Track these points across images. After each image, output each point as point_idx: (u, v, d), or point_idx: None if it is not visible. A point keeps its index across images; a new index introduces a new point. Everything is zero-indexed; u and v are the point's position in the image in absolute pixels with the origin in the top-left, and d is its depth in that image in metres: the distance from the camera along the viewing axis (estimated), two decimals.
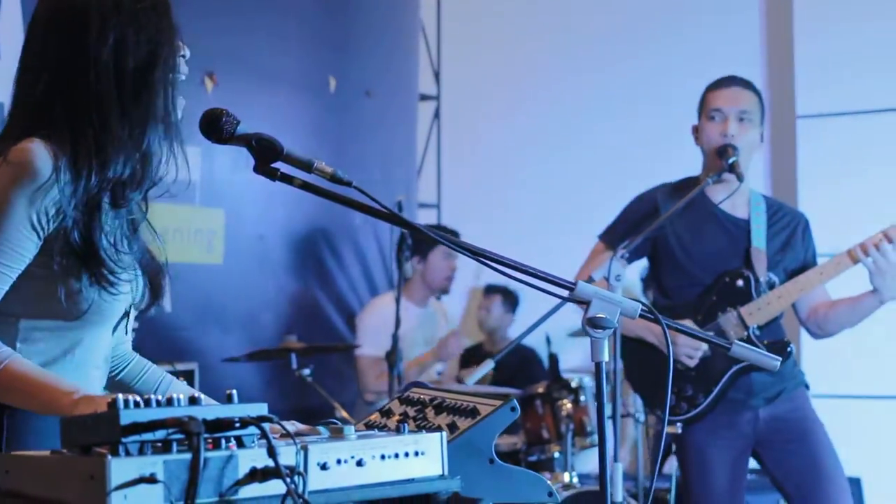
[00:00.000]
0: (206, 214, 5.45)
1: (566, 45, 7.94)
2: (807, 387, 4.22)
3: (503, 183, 7.94)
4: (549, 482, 2.18)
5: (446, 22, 8.35)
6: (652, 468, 5.60)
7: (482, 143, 8.11)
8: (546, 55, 7.99)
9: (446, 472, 1.90)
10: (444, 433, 1.92)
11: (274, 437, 1.66)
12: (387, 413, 2.43)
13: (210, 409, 1.66)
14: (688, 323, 3.93)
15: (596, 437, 5.21)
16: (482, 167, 8.08)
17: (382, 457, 1.81)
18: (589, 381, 5.32)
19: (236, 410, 1.67)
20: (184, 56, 2.32)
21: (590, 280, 3.43)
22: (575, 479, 5.07)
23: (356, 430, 1.95)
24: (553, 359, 5.30)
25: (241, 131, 2.15)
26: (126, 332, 2.44)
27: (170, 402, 1.65)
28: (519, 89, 8.03)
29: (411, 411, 2.36)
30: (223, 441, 1.67)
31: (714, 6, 7.47)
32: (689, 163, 4.31)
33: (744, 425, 4.09)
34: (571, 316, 4.17)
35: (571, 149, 7.76)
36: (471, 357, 7.41)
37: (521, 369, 6.35)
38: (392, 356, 5.14)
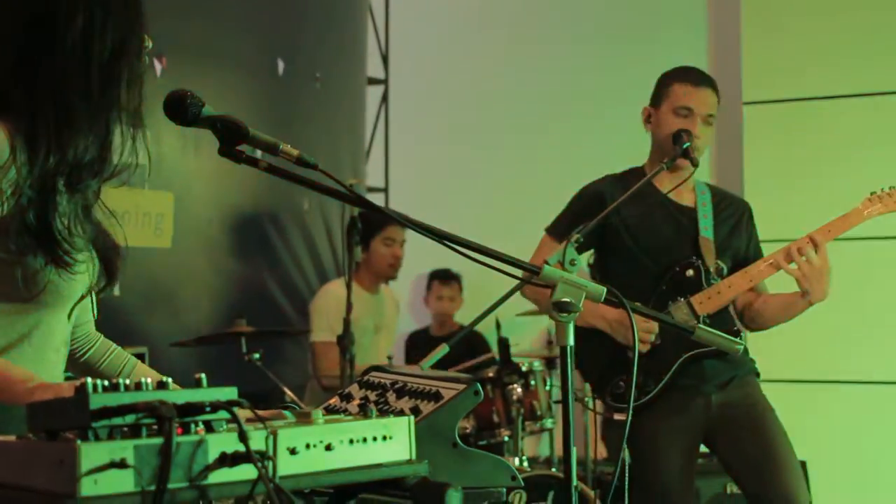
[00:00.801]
0: (155, 198, 5.40)
1: (515, 30, 7.95)
2: (757, 375, 4.25)
3: (451, 167, 7.94)
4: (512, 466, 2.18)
5: (394, 5, 8.34)
6: (599, 452, 5.65)
7: (430, 127, 8.10)
8: (494, 40, 8.00)
9: (414, 457, 1.89)
10: (412, 417, 1.92)
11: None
12: (346, 397, 2.41)
13: (180, 394, 1.64)
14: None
15: (546, 421, 5.25)
16: (430, 151, 8.08)
17: (351, 441, 1.80)
18: (539, 366, 5.35)
19: (206, 395, 1.66)
20: (147, 46, 2.30)
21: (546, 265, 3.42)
22: (525, 464, 5.11)
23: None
24: (503, 343, 5.29)
25: (206, 113, 2.13)
26: (93, 315, 2.41)
27: (138, 386, 1.63)
28: (467, 73, 8.03)
29: (372, 395, 2.35)
30: (192, 425, 1.66)
31: None
32: (636, 150, 4.32)
33: (696, 412, 4.11)
34: (521, 300, 4.19)
35: (519, 133, 7.78)
36: (418, 341, 7.42)
37: (469, 353, 6.35)
38: (344, 340, 5.13)
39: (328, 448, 1.77)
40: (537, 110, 7.72)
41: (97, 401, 1.55)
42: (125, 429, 1.59)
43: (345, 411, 2.25)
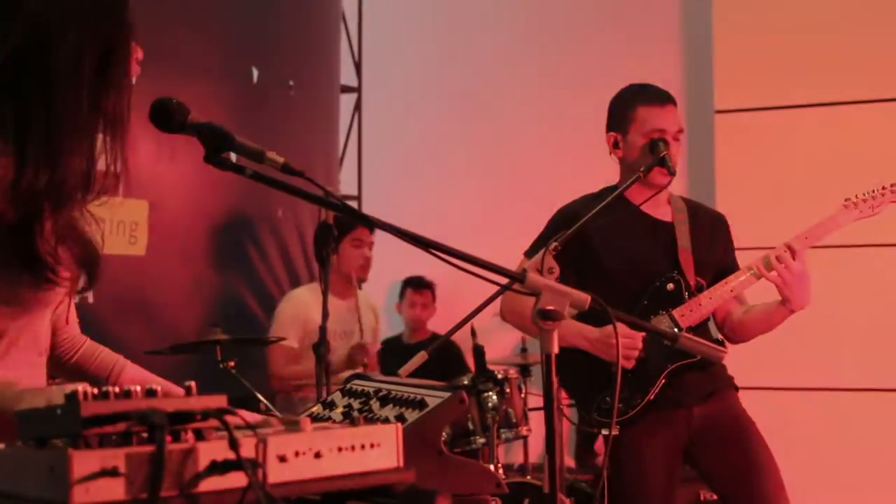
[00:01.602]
0: (129, 206, 5.38)
1: (488, 37, 7.96)
2: (736, 389, 4.26)
3: (424, 175, 7.95)
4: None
5: (368, 13, 8.34)
6: (580, 462, 5.66)
7: (403, 135, 8.12)
8: (467, 47, 8.02)
9: (402, 465, 1.89)
10: (400, 425, 1.92)
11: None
12: (329, 405, 2.41)
13: (171, 401, 1.64)
14: (620, 326, 3.91)
15: (520, 429, 5.25)
16: (403, 159, 8.09)
17: (339, 449, 1.80)
18: (514, 374, 5.35)
19: (197, 402, 1.66)
20: (137, 59, 2.26)
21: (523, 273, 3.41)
22: (500, 472, 5.10)
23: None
24: (479, 350, 5.29)
25: (192, 120, 2.12)
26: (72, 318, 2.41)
27: (128, 393, 1.62)
28: (440, 81, 8.05)
29: (356, 403, 2.35)
30: (181, 433, 1.66)
31: (633, 1, 7.54)
32: (608, 164, 4.31)
33: (678, 424, 4.11)
34: (496, 308, 4.18)
35: (493, 142, 7.79)
36: (392, 349, 7.41)
37: (442, 361, 6.35)
38: (320, 347, 5.12)
39: (317, 455, 1.77)
40: (511, 118, 7.74)
41: (89, 408, 1.55)
42: (114, 437, 1.58)
43: (328, 419, 2.25)
